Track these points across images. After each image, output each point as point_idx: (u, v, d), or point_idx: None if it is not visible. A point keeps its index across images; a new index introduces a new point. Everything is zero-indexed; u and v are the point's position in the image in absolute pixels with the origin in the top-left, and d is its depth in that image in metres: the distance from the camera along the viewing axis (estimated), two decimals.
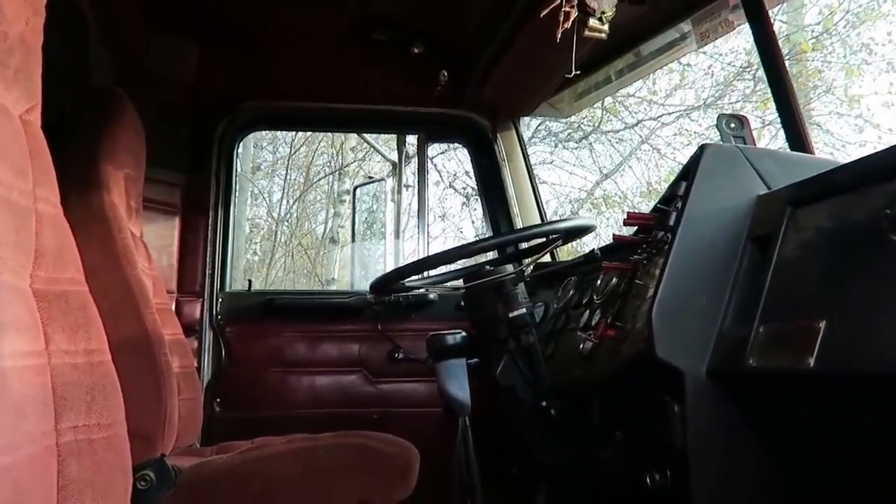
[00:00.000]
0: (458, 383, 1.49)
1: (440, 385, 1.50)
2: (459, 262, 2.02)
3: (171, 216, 2.39)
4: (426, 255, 1.80)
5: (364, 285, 2.90)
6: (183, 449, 1.90)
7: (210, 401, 2.28)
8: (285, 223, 9.53)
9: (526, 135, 2.73)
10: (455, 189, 7.22)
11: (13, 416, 0.68)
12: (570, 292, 2.07)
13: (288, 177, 9.31)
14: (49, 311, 0.79)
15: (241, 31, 2.40)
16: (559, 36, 1.54)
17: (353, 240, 3.20)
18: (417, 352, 2.41)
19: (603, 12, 1.66)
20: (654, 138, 8.93)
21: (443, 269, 2.19)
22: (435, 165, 6.99)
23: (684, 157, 8.84)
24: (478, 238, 2.28)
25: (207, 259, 2.39)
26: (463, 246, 1.74)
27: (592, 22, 1.67)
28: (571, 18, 1.55)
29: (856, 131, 7.49)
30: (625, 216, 1.54)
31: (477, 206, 7.40)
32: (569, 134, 7.97)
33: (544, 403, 1.76)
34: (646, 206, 9.21)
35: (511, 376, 1.77)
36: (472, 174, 2.88)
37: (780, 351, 1.02)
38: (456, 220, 8.24)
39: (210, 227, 2.41)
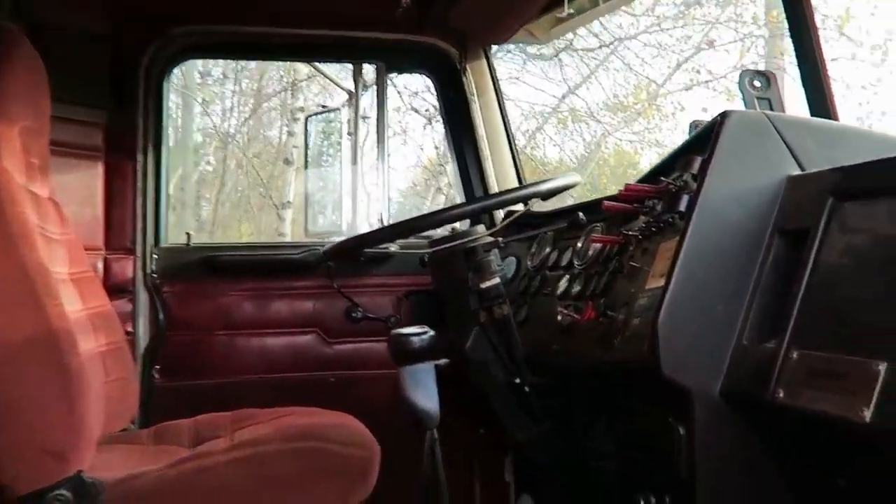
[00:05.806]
0: (424, 392, 1.30)
1: (405, 395, 1.31)
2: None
3: (94, 161, 2.11)
4: (386, 224, 1.58)
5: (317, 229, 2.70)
6: (115, 435, 1.71)
7: (147, 371, 2.08)
8: (237, 137, 9.12)
9: (492, 49, 2.45)
10: (417, 111, 6.84)
11: None
12: (547, 249, 1.89)
13: (238, 86, 8.84)
14: None
15: None
16: None
17: (306, 178, 2.95)
18: (378, 309, 2.22)
19: None
20: (623, 50, 8.67)
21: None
22: (395, 86, 6.57)
23: (653, 69, 8.64)
24: (444, 207, 2.12)
25: (138, 210, 2.14)
26: (429, 214, 1.55)
27: None
28: None
29: None
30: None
31: (438, 127, 7.06)
32: (539, 50, 7.61)
33: (518, 380, 1.66)
34: (611, 119, 9.12)
35: (482, 351, 1.68)
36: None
37: (822, 390, 0.84)
38: (416, 136, 7.92)
39: (139, 173, 2.15)
